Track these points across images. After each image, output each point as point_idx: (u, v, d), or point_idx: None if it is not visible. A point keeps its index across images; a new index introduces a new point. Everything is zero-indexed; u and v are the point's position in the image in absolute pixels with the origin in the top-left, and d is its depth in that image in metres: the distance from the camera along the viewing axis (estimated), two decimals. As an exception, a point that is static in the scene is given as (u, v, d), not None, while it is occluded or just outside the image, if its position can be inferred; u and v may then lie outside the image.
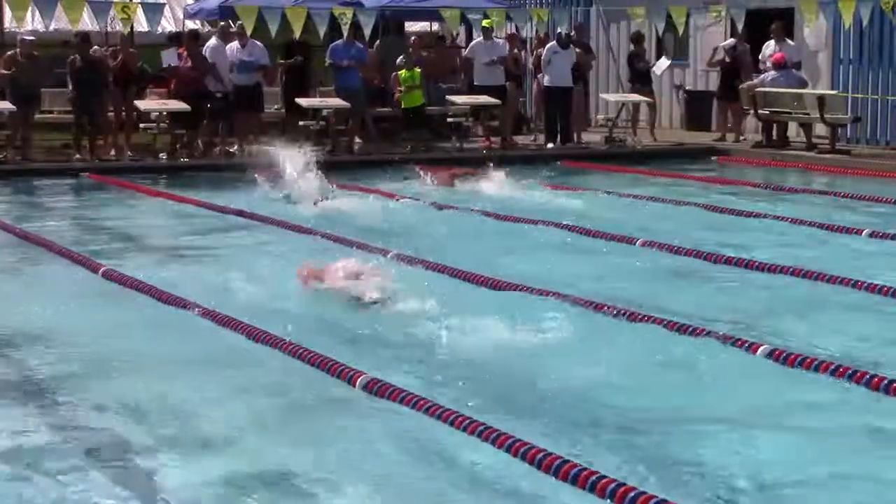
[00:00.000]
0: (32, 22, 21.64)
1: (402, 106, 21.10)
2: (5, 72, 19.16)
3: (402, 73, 21.03)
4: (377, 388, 6.93)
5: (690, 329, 8.23)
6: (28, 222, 13.95)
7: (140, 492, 5.70)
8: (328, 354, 7.56)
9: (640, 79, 22.75)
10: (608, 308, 8.84)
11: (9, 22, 22.74)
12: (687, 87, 24.78)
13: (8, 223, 13.62)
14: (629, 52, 23.08)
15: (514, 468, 5.77)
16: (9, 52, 19.61)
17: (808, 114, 20.38)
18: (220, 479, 5.78)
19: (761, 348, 7.71)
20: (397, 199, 15.04)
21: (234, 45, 20.13)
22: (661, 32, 23.31)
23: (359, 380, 7.06)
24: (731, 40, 22.16)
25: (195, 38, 20.86)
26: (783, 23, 21.37)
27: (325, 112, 20.93)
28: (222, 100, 19.79)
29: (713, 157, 20.70)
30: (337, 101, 20.74)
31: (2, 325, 8.82)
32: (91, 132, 19.54)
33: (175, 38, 22.15)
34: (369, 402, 6.83)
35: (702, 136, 22.87)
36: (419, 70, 21.04)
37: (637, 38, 22.90)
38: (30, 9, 20.39)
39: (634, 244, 11.76)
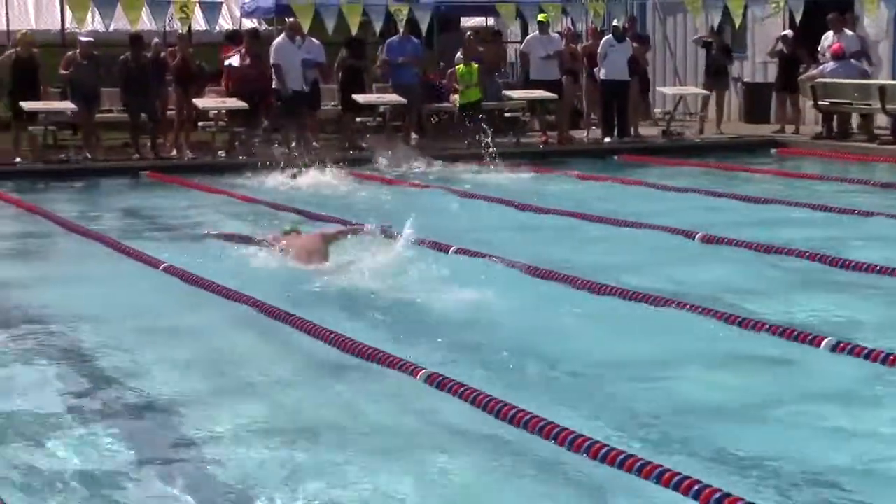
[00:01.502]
0: (93, 22, 21.83)
1: (459, 102, 21.11)
2: (65, 72, 19.41)
3: (460, 68, 21.03)
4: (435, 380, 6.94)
5: (752, 323, 8.19)
6: (89, 220, 14.09)
7: (195, 480, 5.78)
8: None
9: (717, 71, 22.44)
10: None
11: (69, 23, 22.97)
12: (745, 80, 24.60)
13: (70, 220, 13.77)
14: (706, 43, 22.73)
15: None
16: (69, 53, 19.83)
17: (869, 104, 20.19)
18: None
19: (825, 341, 7.65)
20: None
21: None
22: (717, 24, 23.14)
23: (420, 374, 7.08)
24: (789, 31, 21.99)
25: (255, 37, 20.94)
26: (838, 14, 21.15)
27: (381, 108, 20.98)
28: (292, 98, 19.83)
29: (773, 150, 20.56)
30: (393, 97, 20.78)
31: (65, 321, 8.93)
32: (149, 130, 19.70)
33: (232, 37, 22.27)
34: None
35: (761, 128, 22.72)
36: (477, 66, 21.03)
37: (719, 30, 22.64)
38: (90, 9, 20.58)
39: (693, 238, 11.72)
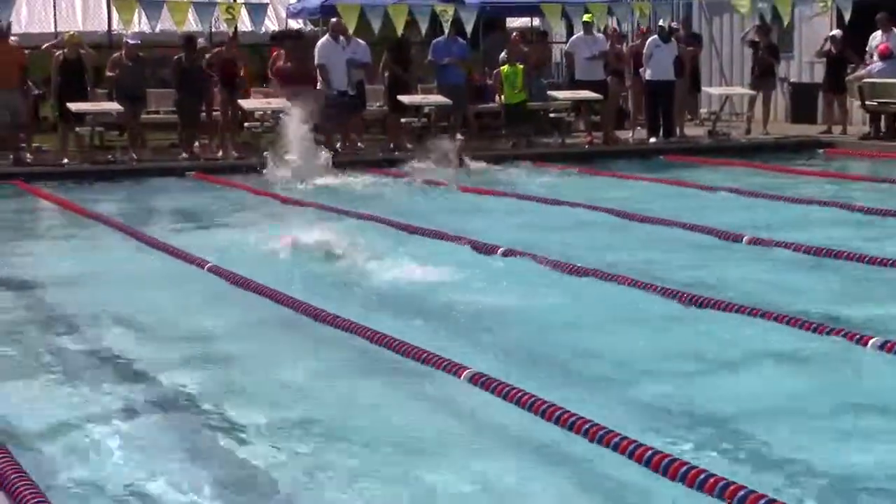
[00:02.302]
0: (139, 24, 21.98)
1: (504, 102, 21.09)
2: (111, 74, 19.55)
3: (505, 69, 21.01)
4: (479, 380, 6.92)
5: (800, 322, 8.11)
6: (135, 220, 14.16)
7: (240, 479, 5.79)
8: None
9: (764, 71, 22.25)
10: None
11: (116, 24, 23.14)
12: (792, 80, 24.43)
13: (116, 220, 13.84)
14: (753, 42, 22.56)
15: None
16: (114, 55, 19.98)
17: (917, 105, 20.04)
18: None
19: (872, 341, 7.56)
20: None
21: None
22: (769, 19, 22.94)
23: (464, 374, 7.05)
24: (837, 31, 21.82)
25: (297, 38, 21.05)
26: (888, 13, 20.97)
27: (426, 109, 20.97)
28: (336, 99, 19.89)
29: (820, 150, 20.42)
30: (438, 98, 20.77)
31: (111, 320, 8.98)
32: (188, 133, 19.82)
33: (278, 38, 22.36)
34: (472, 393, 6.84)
35: (807, 128, 22.56)
36: (522, 66, 21.00)
37: (767, 30, 22.47)
38: (136, 11, 20.72)
39: (741, 241, 11.63)
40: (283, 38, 21.46)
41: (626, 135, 22.20)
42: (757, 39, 22.33)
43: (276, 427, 6.51)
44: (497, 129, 21.91)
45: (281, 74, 20.10)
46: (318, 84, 19.98)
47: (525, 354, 7.84)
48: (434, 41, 21.34)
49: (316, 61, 19.98)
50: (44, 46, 20.31)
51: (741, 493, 5.15)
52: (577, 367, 7.54)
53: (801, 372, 7.38)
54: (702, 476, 5.35)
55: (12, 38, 19.34)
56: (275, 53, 20.81)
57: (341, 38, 20.14)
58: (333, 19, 20.75)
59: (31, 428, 6.54)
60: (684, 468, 5.46)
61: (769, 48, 22.26)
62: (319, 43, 20.23)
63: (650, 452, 5.66)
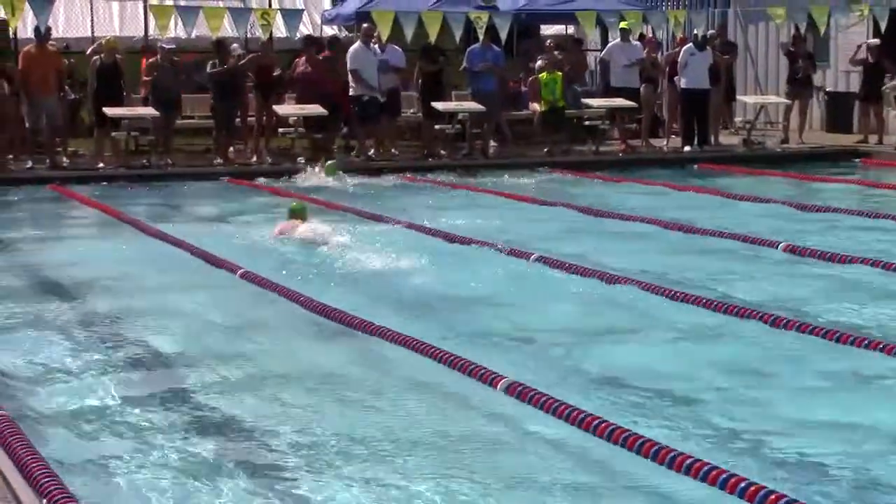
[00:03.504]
0: (175, 30, 22.05)
1: (541, 109, 21.04)
2: (146, 78, 19.63)
3: (543, 76, 20.96)
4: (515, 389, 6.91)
5: (837, 334, 8.06)
6: (168, 225, 14.18)
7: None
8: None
9: (802, 80, 22.11)
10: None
11: (152, 30, 23.23)
12: (828, 89, 24.30)
13: (149, 225, 13.88)
14: (790, 52, 22.41)
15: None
16: (150, 59, 20.05)
17: (954, 114, 19.90)
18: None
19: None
20: None
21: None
22: (803, 30, 22.82)
23: (500, 383, 7.03)
24: (873, 39, 21.70)
25: (313, 44, 21.15)
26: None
27: (460, 116, 20.96)
28: (367, 104, 19.91)
29: (856, 160, 20.31)
30: (473, 105, 20.76)
31: (146, 325, 9.02)
32: (226, 137, 19.87)
33: (311, 42, 22.40)
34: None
35: (843, 138, 22.43)
36: (560, 74, 20.97)
37: (802, 38, 22.33)
38: (172, 16, 20.79)
39: (776, 248, 11.58)
40: (310, 43, 21.48)
41: (660, 143, 22.14)
42: (793, 48, 22.21)
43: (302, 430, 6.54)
44: (529, 136, 21.87)
45: (299, 79, 20.19)
46: (350, 90, 20.01)
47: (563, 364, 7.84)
48: (469, 48, 21.32)
49: (349, 67, 20.01)
50: (88, 51, 20.41)
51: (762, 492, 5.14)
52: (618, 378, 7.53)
53: (837, 383, 7.33)
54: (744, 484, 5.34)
55: (50, 43, 19.43)
56: (297, 59, 20.85)
57: (373, 43, 20.17)
58: (365, 24, 20.78)
59: (60, 417, 6.72)
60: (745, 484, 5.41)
61: (807, 57, 22.14)
62: (352, 48, 20.26)
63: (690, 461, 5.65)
